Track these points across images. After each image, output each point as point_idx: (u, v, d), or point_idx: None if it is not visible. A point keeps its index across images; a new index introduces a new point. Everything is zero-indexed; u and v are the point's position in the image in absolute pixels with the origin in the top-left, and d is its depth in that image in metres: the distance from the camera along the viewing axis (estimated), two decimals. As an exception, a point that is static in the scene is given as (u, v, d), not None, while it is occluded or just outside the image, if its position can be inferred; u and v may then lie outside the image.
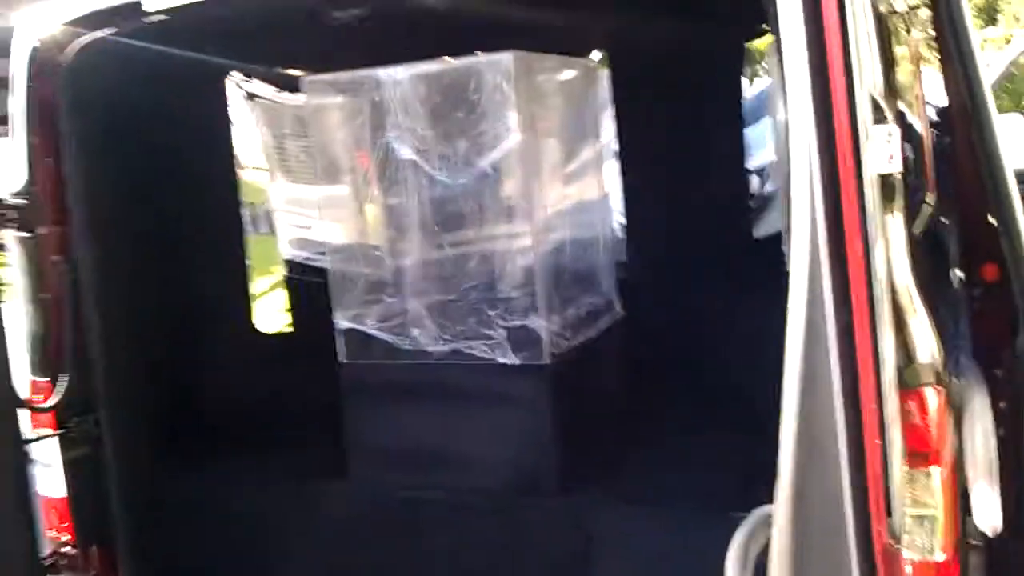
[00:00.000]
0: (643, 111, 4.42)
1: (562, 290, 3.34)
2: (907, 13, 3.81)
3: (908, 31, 3.93)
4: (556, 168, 3.53)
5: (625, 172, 4.57)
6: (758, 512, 1.56)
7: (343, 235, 3.59)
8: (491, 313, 3.17)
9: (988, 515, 2.32)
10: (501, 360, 3.12)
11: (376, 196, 3.44)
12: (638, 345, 3.82)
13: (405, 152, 3.23)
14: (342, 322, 3.35)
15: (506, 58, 3.07)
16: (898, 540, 1.31)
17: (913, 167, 3.79)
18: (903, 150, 2.91)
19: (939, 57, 2.95)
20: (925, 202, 3.63)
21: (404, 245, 3.36)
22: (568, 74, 3.72)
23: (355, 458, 3.35)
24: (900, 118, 3.50)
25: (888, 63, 2.90)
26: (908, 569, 1.96)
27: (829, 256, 1.32)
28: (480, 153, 3.15)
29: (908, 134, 3.82)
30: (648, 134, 4.43)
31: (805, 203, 1.35)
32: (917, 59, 4.12)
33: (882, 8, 3.33)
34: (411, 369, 3.24)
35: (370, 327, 3.31)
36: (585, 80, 3.81)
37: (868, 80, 2.35)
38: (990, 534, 2.36)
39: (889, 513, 1.31)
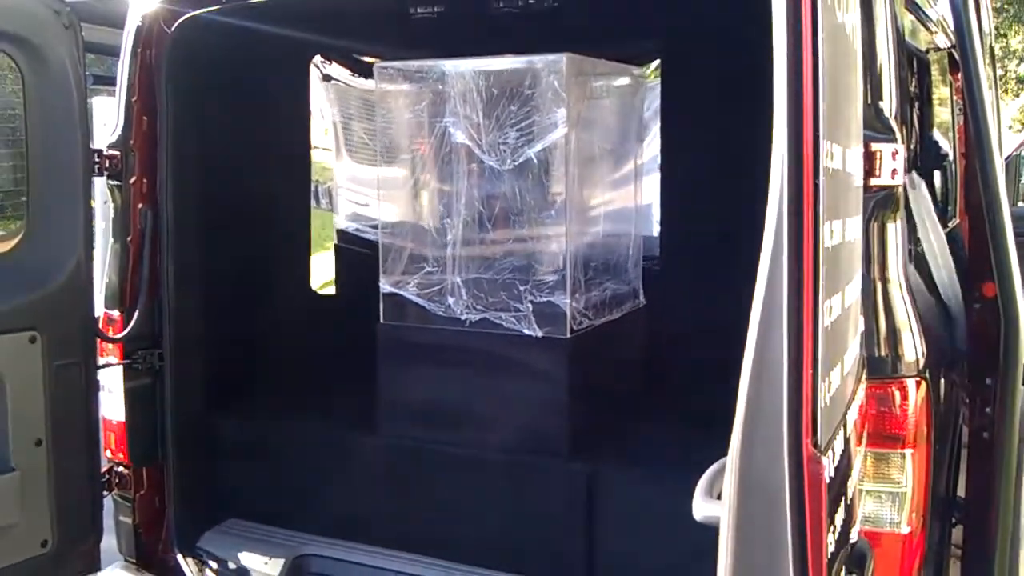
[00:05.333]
0: (689, 118, 4.62)
1: (589, 276, 3.59)
2: (946, 51, 3.99)
3: (945, 75, 4.11)
4: (598, 165, 3.76)
5: (665, 174, 4.79)
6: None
7: (396, 212, 3.85)
8: (521, 289, 3.41)
9: None
10: (526, 332, 3.37)
11: (429, 178, 3.69)
12: (656, 331, 4.07)
13: (459, 136, 3.49)
14: (386, 287, 3.62)
15: (560, 59, 3.33)
16: (821, 450, 1.57)
17: (942, 191, 3.97)
18: (916, 167, 3.11)
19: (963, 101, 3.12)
20: (948, 224, 3.82)
21: (449, 222, 3.60)
22: (618, 80, 3.96)
23: (386, 410, 3.60)
24: (929, 146, 3.68)
25: (910, 95, 3.10)
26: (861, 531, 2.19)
27: (788, 241, 1.58)
28: (528, 143, 3.39)
29: (941, 162, 3.99)
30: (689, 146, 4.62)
31: (775, 202, 1.61)
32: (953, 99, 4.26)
33: (922, 45, 3.52)
34: (443, 334, 3.50)
35: (410, 293, 3.57)
36: (634, 87, 4.05)
37: (886, 105, 2.58)
38: None
39: (815, 430, 1.56)
